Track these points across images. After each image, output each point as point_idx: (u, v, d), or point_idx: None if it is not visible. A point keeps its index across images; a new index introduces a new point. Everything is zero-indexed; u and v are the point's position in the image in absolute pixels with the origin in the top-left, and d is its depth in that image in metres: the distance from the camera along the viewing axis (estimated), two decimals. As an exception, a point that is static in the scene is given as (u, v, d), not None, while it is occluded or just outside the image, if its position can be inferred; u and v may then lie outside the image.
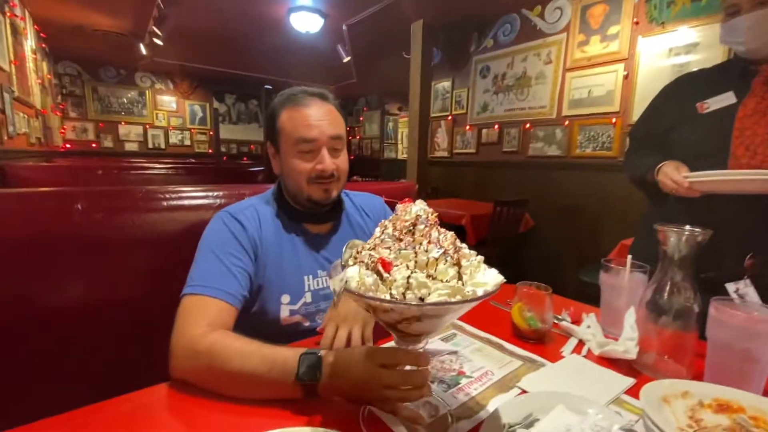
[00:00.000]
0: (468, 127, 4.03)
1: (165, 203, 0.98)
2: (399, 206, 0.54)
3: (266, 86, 6.28)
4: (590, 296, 1.04)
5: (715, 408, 0.53)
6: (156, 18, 3.80)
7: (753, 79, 0.98)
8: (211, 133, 7.16)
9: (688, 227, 0.69)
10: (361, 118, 8.36)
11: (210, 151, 7.17)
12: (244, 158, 7.49)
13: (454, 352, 0.77)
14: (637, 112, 2.68)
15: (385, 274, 0.46)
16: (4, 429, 0.49)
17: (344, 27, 4.12)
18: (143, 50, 4.68)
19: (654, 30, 2.63)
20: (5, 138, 2.51)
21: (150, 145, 6.66)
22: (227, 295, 0.72)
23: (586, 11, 3.00)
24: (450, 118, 4.22)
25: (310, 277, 0.87)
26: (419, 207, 0.52)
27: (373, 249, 0.50)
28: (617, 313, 0.82)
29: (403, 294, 0.44)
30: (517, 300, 0.84)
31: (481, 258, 0.51)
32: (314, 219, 0.91)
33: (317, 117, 0.82)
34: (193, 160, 5.83)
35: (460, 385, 0.66)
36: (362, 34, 4.22)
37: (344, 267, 0.51)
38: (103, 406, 0.57)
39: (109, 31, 4.49)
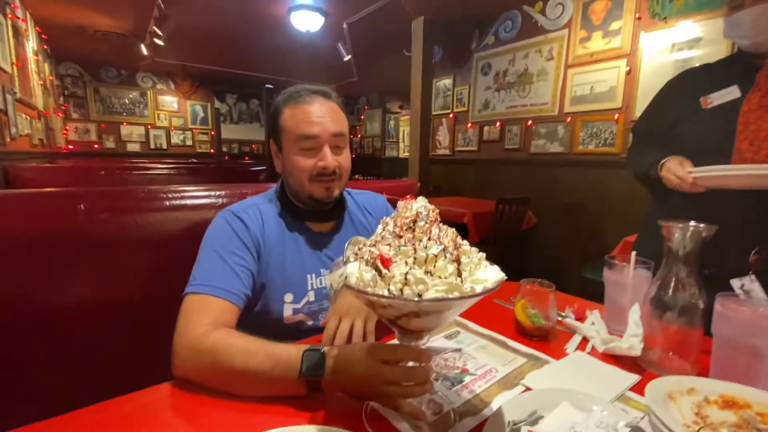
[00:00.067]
0: (470, 125, 4.02)
1: (167, 203, 0.98)
2: (400, 203, 0.54)
3: (267, 85, 6.29)
4: (593, 293, 1.03)
5: (721, 404, 0.53)
6: (156, 18, 3.81)
7: (757, 73, 0.98)
8: (212, 133, 7.17)
9: (692, 223, 0.68)
10: (362, 117, 8.35)
11: (212, 151, 7.18)
12: (246, 158, 7.50)
13: (458, 350, 0.77)
14: (639, 108, 2.67)
15: (384, 270, 0.46)
16: (7, 429, 0.50)
17: (345, 25, 4.12)
18: (144, 50, 4.69)
19: (656, 25, 2.61)
20: (8, 139, 2.52)
21: (152, 146, 6.68)
22: (230, 294, 0.72)
23: (587, 7, 2.98)
24: (451, 115, 4.21)
25: (313, 275, 0.87)
26: (420, 204, 0.52)
27: (374, 246, 0.50)
28: (621, 309, 0.81)
29: (401, 290, 0.44)
30: (521, 297, 0.83)
31: (482, 255, 0.50)
32: (317, 217, 0.90)
33: (319, 114, 0.82)
34: (195, 160, 5.84)
35: (464, 383, 0.65)
36: (363, 32, 4.21)
37: (346, 263, 0.51)
38: (106, 406, 0.57)
39: (110, 31, 4.50)
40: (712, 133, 1.02)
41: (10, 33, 2.83)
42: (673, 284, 0.69)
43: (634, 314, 0.74)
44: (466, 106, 4.04)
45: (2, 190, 0.93)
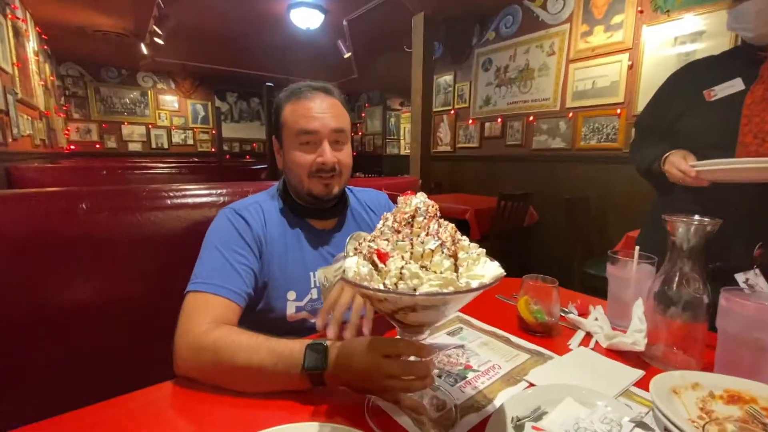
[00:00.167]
0: (471, 121, 4.01)
1: (169, 202, 0.98)
2: (400, 199, 0.54)
3: (267, 83, 6.27)
4: (596, 289, 1.03)
5: (726, 399, 0.53)
6: (156, 17, 3.80)
7: (761, 65, 0.97)
8: (213, 132, 7.17)
9: (697, 217, 0.68)
10: (363, 115, 8.34)
11: (213, 149, 7.18)
12: (247, 156, 7.50)
13: (461, 346, 0.77)
14: (642, 103, 2.65)
15: (380, 265, 0.46)
16: (12, 427, 0.50)
17: (345, 22, 4.10)
18: (144, 50, 4.69)
19: (659, 18, 2.59)
20: (10, 140, 2.53)
21: (153, 145, 6.69)
22: (231, 292, 0.72)
23: (589, 1, 2.96)
24: (452, 112, 4.20)
25: (316, 273, 0.87)
26: (419, 199, 0.52)
27: (373, 241, 0.50)
28: (625, 305, 0.81)
29: (396, 284, 0.45)
30: (524, 293, 0.83)
31: (481, 251, 0.50)
32: (319, 215, 0.90)
33: (320, 110, 0.82)
34: (196, 159, 5.85)
35: (467, 379, 0.65)
36: (363, 29, 4.20)
37: (346, 258, 0.52)
38: (110, 404, 0.57)
39: (110, 31, 4.50)
40: (716, 126, 1.01)
41: (11, 33, 2.84)
42: (677, 279, 0.69)
43: (638, 309, 0.74)
44: (467, 102, 4.03)
45: (5, 190, 0.94)
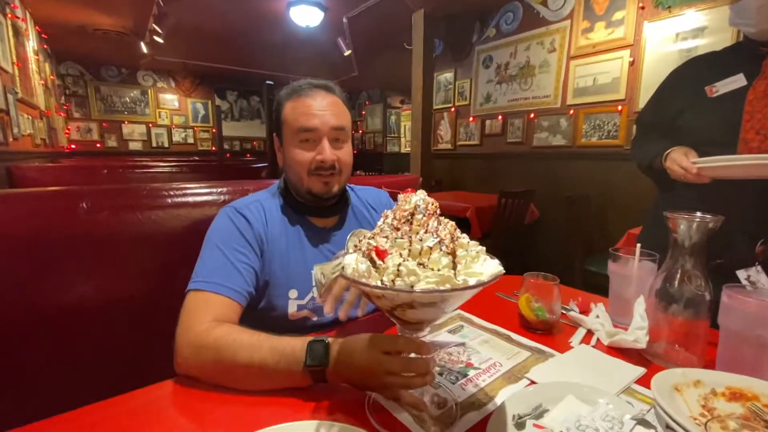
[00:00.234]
0: (471, 119, 3.99)
1: (169, 200, 0.98)
2: (400, 196, 0.54)
3: (267, 82, 6.26)
4: (597, 286, 1.03)
5: (728, 396, 0.53)
6: (156, 15, 3.79)
7: (763, 61, 0.96)
8: (213, 130, 7.16)
9: (698, 214, 0.67)
10: (363, 113, 8.32)
11: (213, 148, 7.18)
12: (248, 155, 7.50)
13: (462, 344, 0.77)
14: (643, 99, 2.64)
15: (378, 262, 0.47)
16: (14, 426, 0.50)
17: (344, 20, 4.09)
18: (144, 49, 4.68)
19: (660, 14, 2.58)
20: (11, 139, 2.53)
21: (153, 144, 6.68)
22: (231, 291, 0.72)
23: (590, -3, 2.94)
24: (453, 109, 4.19)
25: (313, 270, 0.87)
26: (419, 197, 0.53)
27: (372, 238, 0.50)
28: (626, 302, 0.81)
29: (393, 281, 0.45)
30: (525, 291, 0.83)
31: (481, 249, 0.50)
32: (319, 213, 0.90)
33: (320, 107, 0.82)
34: (197, 158, 5.85)
35: (468, 377, 0.65)
36: (362, 26, 4.18)
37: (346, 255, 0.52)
38: (111, 403, 0.57)
39: (109, 30, 4.50)
40: (718, 122, 1.01)
41: (11, 33, 2.83)
42: (678, 276, 0.69)
43: (639, 307, 0.74)
44: (467, 99, 4.01)
45: (6, 189, 0.94)
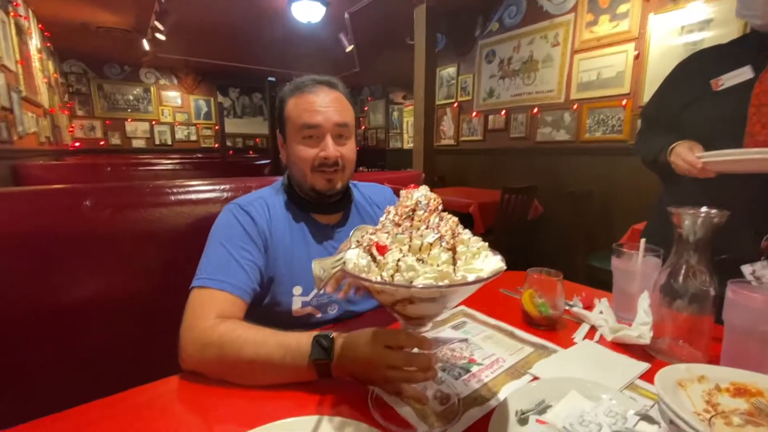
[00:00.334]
0: (474, 114, 3.98)
1: (172, 198, 0.98)
2: (402, 192, 0.54)
3: (270, 78, 6.25)
4: (600, 281, 1.03)
5: (732, 392, 0.52)
6: (157, 13, 3.79)
7: (770, 53, 0.95)
8: (216, 127, 7.17)
9: (703, 209, 0.67)
10: (366, 108, 8.30)
11: (216, 145, 7.19)
12: (250, 152, 7.51)
13: (465, 340, 0.77)
14: (648, 93, 2.62)
15: (379, 257, 0.47)
16: (19, 423, 0.51)
17: (346, 15, 4.07)
18: (146, 46, 4.68)
19: (666, 7, 2.55)
20: (15, 138, 2.54)
21: (157, 141, 6.71)
22: (236, 288, 0.72)
23: (594, -10, 2.91)
24: (456, 105, 4.17)
25: (312, 264, 0.87)
26: (421, 193, 0.53)
27: (374, 234, 0.51)
28: (630, 298, 0.80)
29: (392, 276, 0.45)
30: (528, 287, 0.83)
31: (483, 245, 0.50)
32: (323, 209, 0.90)
33: (323, 104, 0.81)
34: (200, 155, 5.87)
35: (471, 372, 0.65)
36: (364, 21, 4.16)
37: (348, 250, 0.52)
38: (114, 400, 0.57)
39: (112, 27, 4.50)
40: (724, 115, 0.99)
41: (14, 31, 2.84)
42: (683, 271, 0.68)
43: (644, 302, 0.73)
44: (470, 94, 3.99)
45: (11, 187, 0.94)
